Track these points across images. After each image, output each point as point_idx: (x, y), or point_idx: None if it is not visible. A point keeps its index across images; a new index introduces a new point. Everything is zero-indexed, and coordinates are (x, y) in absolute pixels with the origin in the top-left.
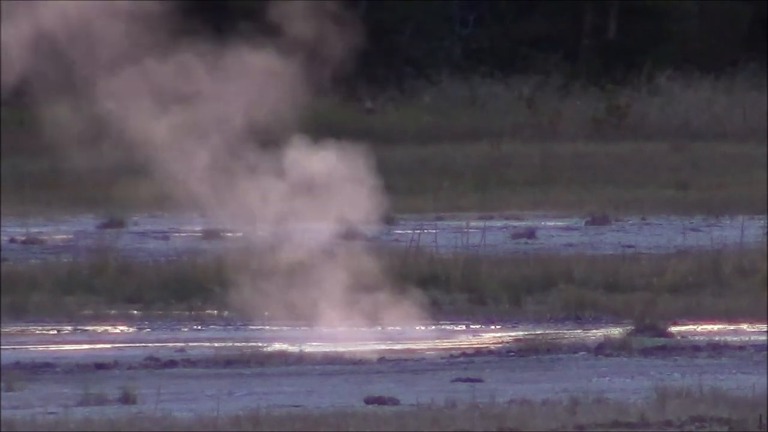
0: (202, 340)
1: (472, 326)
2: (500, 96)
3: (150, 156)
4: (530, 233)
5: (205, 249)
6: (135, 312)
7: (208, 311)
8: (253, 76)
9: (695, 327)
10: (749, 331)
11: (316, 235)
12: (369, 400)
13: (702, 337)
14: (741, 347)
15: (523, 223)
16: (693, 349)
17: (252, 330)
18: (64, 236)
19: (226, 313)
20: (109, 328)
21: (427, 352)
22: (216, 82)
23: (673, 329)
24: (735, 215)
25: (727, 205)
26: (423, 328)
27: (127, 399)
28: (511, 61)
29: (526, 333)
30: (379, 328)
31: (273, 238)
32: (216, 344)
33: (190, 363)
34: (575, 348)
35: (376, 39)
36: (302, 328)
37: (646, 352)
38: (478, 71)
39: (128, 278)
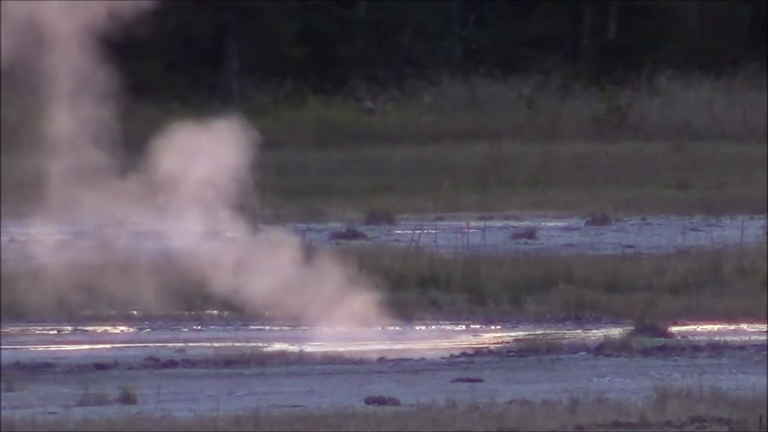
0: (202, 340)
1: (472, 326)
2: (500, 96)
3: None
4: (530, 233)
5: (206, 249)
6: (135, 312)
7: (208, 311)
8: None
9: (695, 327)
10: (749, 331)
11: (316, 234)
12: (369, 400)
13: (702, 338)
14: (741, 347)
15: (523, 223)
16: (693, 349)
17: (252, 330)
18: (64, 236)
19: (226, 313)
20: (109, 328)
21: (427, 352)
22: None
23: (673, 329)
24: (735, 215)
25: (727, 205)
26: (423, 328)
27: (127, 399)
28: (511, 61)
29: (526, 333)
30: (380, 328)
31: (269, 238)
32: (216, 344)
33: (190, 363)
34: (575, 348)
35: (376, 39)
36: (302, 328)
37: (646, 352)
38: (478, 71)
39: (128, 278)
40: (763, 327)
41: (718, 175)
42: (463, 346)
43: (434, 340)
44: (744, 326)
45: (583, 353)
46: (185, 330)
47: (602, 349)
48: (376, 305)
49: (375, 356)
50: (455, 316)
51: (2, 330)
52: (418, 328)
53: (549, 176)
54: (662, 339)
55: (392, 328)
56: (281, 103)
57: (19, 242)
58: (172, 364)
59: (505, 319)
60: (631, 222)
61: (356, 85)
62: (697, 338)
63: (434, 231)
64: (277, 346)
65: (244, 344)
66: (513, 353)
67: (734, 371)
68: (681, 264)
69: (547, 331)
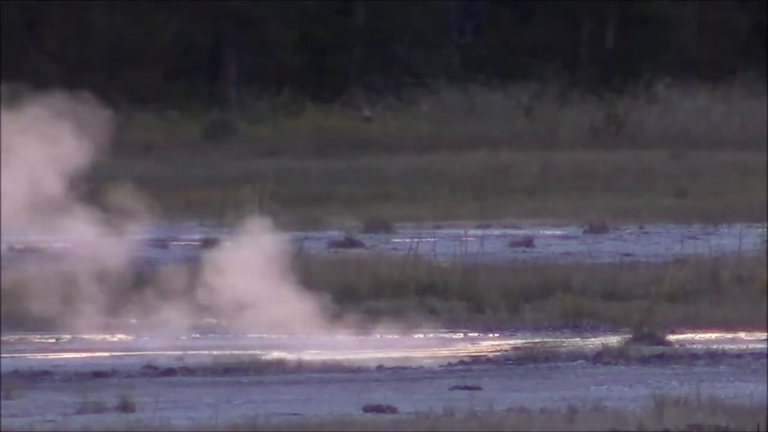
0: (201, 348)
1: (470, 334)
2: (498, 104)
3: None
4: (528, 241)
5: (203, 257)
6: (133, 320)
7: (207, 319)
8: None
9: (693, 335)
10: (747, 339)
11: (314, 243)
12: (367, 409)
13: (700, 346)
14: (739, 355)
15: (521, 232)
16: (691, 357)
17: (250, 338)
18: (63, 244)
19: (224, 321)
20: (107, 336)
21: (426, 360)
22: None
23: (672, 337)
24: (733, 223)
25: (726, 213)
26: (421, 336)
27: (125, 407)
28: (510, 69)
29: (524, 341)
30: (378, 336)
31: (270, 246)
32: (214, 352)
33: (189, 371)
34: (573, 356)
35: (374, 47)
36: (300, 336)
37: (644, 360)
38: (477, 80)
39: (127, 286)
40: (761, 335)
41: (717, 183)
42: (461, 354)
43: (432, 348)
44: (742, 334)
45: (581, 361)
46: (183, 338)
47: (600, 357)
48: (375, 313)
49: (373, 364)
50: (453, 324)
51: (1, 338)
52: (416, 336)
53: (547, 184)
54: (660, 347)
55: (390, 336)
56: (279, 112)
57: (17, 250)
58: (170, 372)
59: (503, 327)
60: (629, 230)
61: (354, 93)
62: (695, 346)
63: (432, 239)
64: (276, 354)
65: (242, 352)
66: (511, 361)
67: (732, 379)
68: (679, 272)
69: (545, 339)
